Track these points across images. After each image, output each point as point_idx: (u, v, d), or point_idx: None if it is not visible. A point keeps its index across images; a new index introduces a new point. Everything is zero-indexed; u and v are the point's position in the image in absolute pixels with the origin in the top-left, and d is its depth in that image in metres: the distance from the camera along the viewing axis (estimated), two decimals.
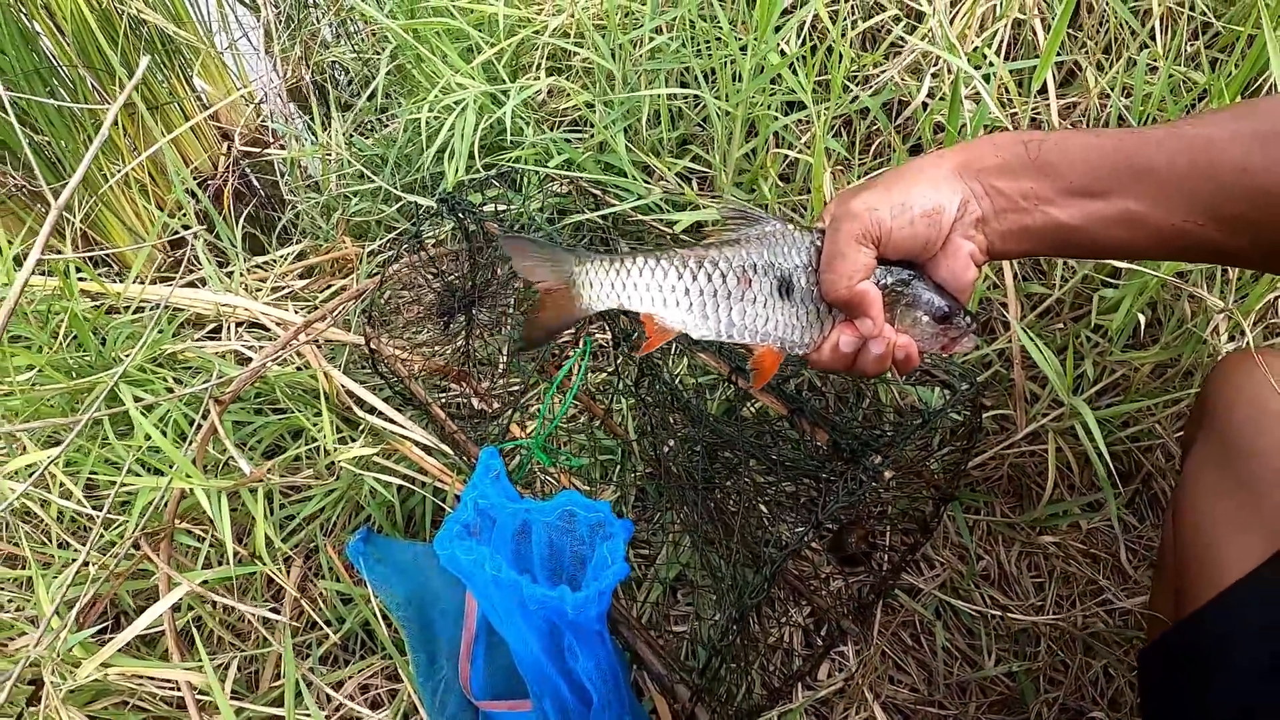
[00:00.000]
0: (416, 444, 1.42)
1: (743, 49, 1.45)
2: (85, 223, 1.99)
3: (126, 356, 1.49)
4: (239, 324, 1.63)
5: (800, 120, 1.55)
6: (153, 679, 1.28)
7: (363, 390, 1.43)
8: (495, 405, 1.54)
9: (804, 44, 1.49)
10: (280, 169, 2.00)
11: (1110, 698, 1.42)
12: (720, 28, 1.45)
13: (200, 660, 1.16)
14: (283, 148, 2.05)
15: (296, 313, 1.58)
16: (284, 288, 1.68)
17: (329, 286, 1.71)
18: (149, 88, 2.11)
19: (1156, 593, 1.15)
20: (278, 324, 1.56)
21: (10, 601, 1.40)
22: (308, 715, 1.27)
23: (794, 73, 1.46)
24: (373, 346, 1.43)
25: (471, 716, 1.29)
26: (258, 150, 2.14)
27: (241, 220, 1.77)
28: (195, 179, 2.16)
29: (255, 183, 2.15)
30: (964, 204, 0.84)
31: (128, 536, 1.27)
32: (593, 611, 0.99)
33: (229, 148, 2.15)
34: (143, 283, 1.63)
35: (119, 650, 1.16)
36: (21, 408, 1.39)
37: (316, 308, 1.61)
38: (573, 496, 1.11)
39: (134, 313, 1.58)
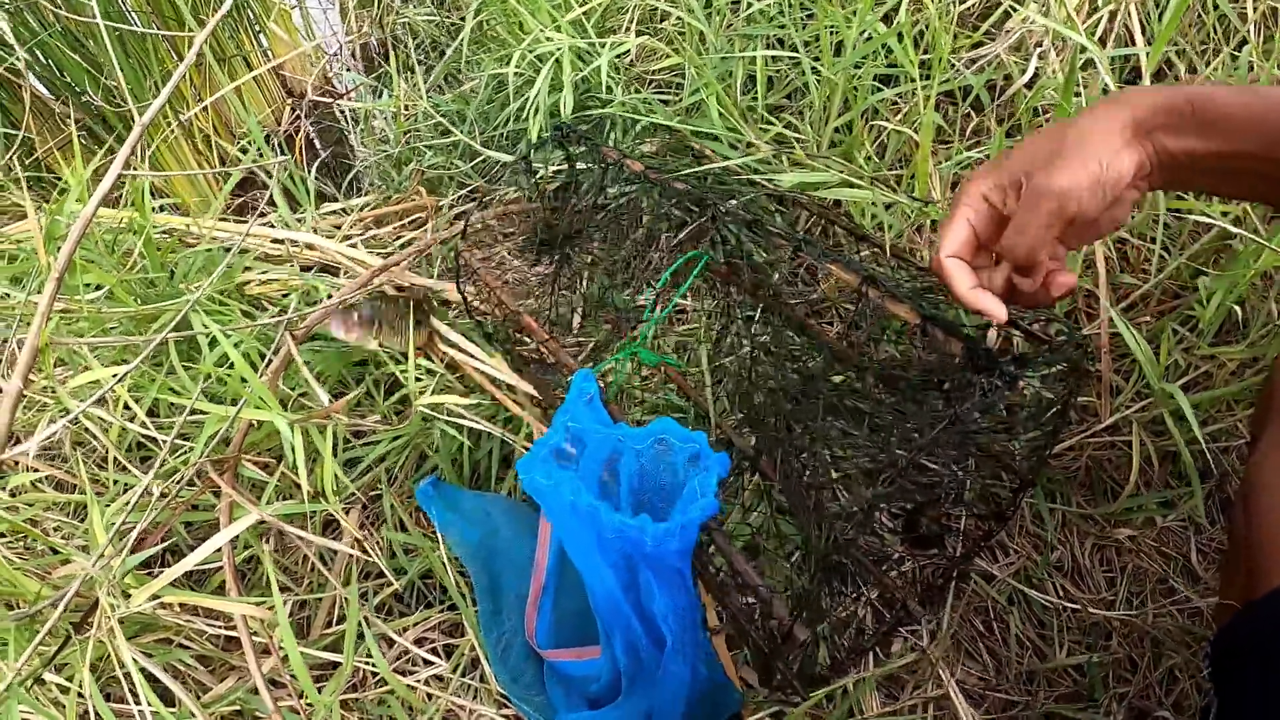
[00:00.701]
0: (491, 379, 1.27)
1: (851, 14, 1.32)
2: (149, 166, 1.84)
3: (196, 289, 1.34)
4: (306, 268, 1.48)
5: (897, 95, 1.42)
6: (207, 613, 1.12)
7: (446, 329, 1.29)
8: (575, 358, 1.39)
9: (909, 16, 1.36)
10: (350, 121, 1.84)
11: (1175, 700, 1.29)
12: None
13: (264, 596, 1.00)
14: (353, 101, 1.90)
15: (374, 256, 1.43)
16: (356, 235, 1.52)
17: (399, 237, 1.55)
18: (216, 40, 1.96)
19: (1225, 586, 1.03)
20: (353, 262, 1.41)
21: (57, 529, 1.23)
22: (368, 660, 1.12)
23: (900, 43, 1.33)
24: (463, 261, 1.28)
25: (535, 668, 1.14)
26: (328, 100, 1.99)
27: (313, 169, 1.62)
28: (263, 129, 2.00)
29: (314, 139, 1.98)
30: (1139, 167, 0.78)
31: (192, 463, 1.11)
32: (674, 546, 0.86)
33: (300, 98, 1.99)
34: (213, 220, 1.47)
35: (172, 583, 1.01)
36: (87, 329, 1.23)
37: (392, 254, 1.46)
38: (667, 424, 0.95)
39: (200, 249, 1.42)
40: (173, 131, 1.78)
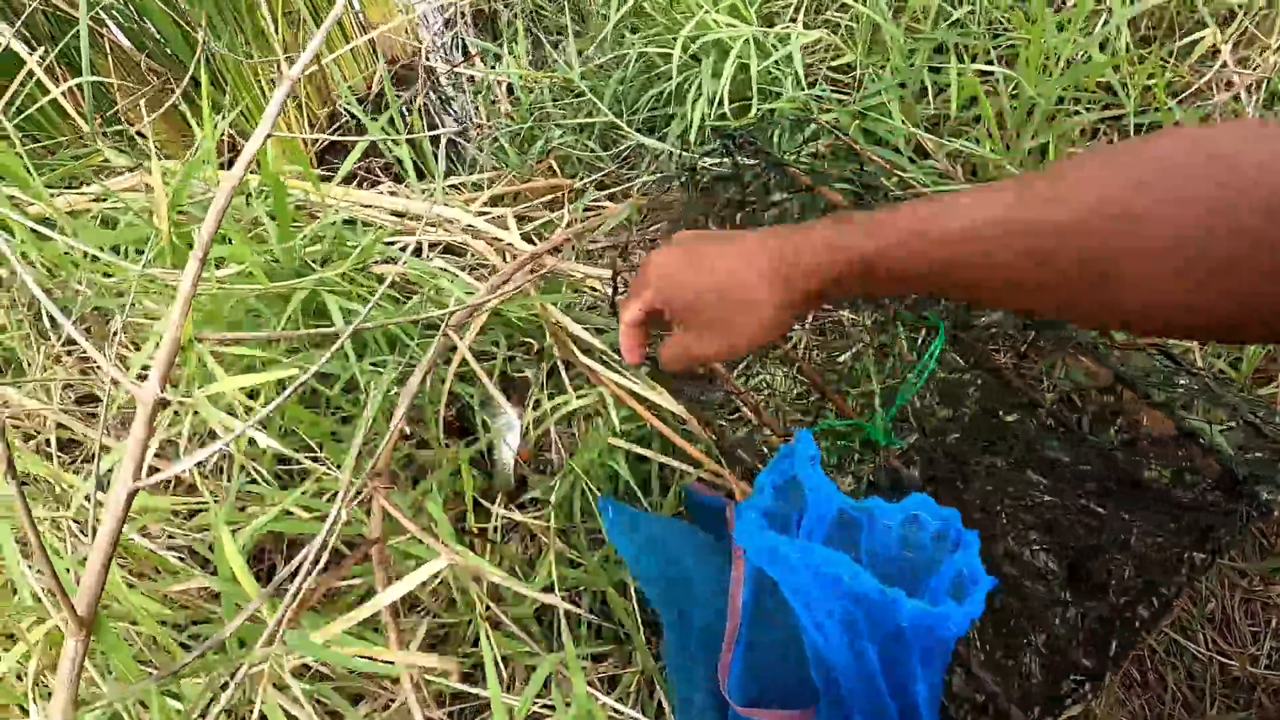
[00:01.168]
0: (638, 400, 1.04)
1: (1059, 28, 1.13)
2: (236, 129, 1.53)
3: (318, 264, 1.07)
4: (432, 245, 1.21)
5: (1101, 121, 1.23)
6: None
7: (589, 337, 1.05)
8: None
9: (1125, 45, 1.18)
10: (468, 92, 1.55)
11: None
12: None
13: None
14: (469, 69, 1.60)
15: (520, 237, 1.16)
16: (485, 213, 1.25)
17: (523, 218, 1.29)
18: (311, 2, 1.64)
19: None
20: (487, 243, 1.15)
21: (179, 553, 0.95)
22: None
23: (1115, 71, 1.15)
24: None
25: (718, 718, 0.95)
26: (443, 68, 1.67)
27: (444, 143, 1.34)
28: (354, 96, 1.68)
29: (428, 108, 1.67)
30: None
31: (348, 486, 0.85)
32: (954, 630, 0.75)
33: (392, 63, 1.68)
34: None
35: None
36: (214, 306, 0.95)
37: (534, 238, 1.20)
38: (923, 500, 0.85)
39: (326, 222, 1.14)
40: (264, 92, 1.46)
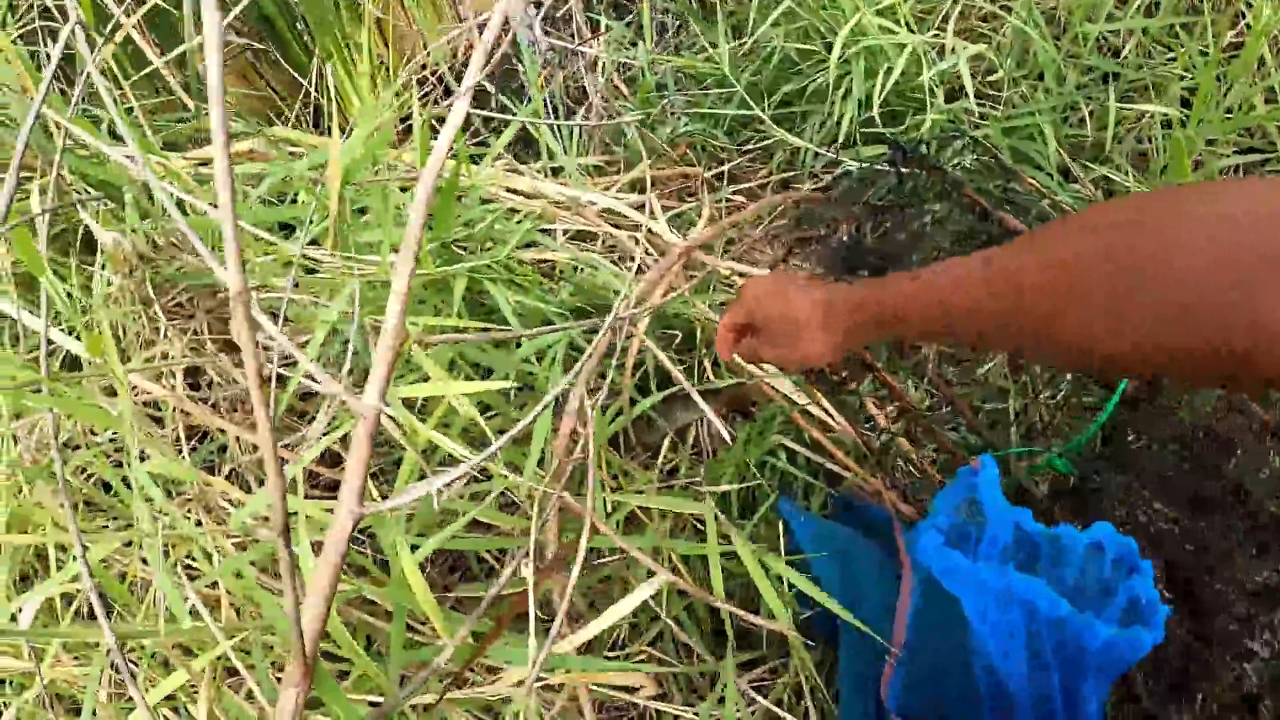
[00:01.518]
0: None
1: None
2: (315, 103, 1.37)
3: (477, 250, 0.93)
4: (564, 233, 1.08)
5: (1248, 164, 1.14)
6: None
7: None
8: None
9: None
10: (592, 70, 1.39)
11: None
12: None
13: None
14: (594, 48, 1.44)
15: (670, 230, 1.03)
16: (621, 198, 1.12)
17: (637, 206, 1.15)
18: None
19: None
20: (632, 231, 1.02)
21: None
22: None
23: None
24: None
25: None
26: (564, 44, 1.51)
27: (580, 115, 1.19)
28: (429, 71, 1.52)
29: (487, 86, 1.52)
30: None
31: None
32: (1142, 653, 0.75)
33: (535, 39, 1.52)
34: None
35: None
36: (375, 294, 0.81)
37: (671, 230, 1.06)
38: (1106, 528, 0.83)
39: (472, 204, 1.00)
40: (352, 58, 1.30)
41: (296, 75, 1.40)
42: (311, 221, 0.80)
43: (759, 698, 0.85)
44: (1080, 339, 0.47)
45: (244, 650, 0.67)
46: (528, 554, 0.62)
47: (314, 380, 0.75)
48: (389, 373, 0.58)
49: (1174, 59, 1.17)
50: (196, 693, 0.65)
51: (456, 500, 0.78)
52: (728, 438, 0.82)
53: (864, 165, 1.08)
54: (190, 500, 0.80)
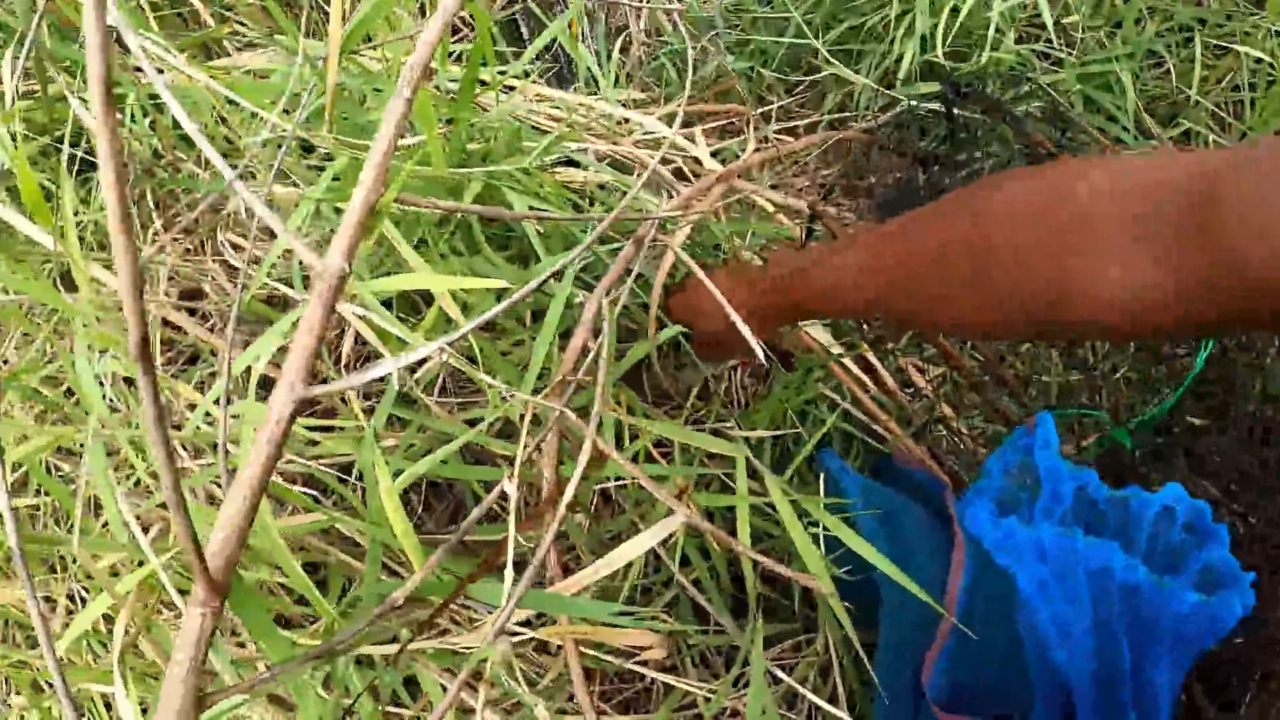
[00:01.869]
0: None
1: None
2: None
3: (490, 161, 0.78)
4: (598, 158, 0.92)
5: None
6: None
7: None
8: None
9: None
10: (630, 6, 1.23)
11: None
12: None
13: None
14: None
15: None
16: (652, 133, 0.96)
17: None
18: None
19: None
20: (669, 159, 0.87)
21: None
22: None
23: None
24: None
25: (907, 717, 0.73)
26: None
27: (617, 44, 1.04)
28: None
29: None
30: None
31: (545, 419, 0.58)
32: (1234, 621, 0.64)
33: None
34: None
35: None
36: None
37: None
38: (1176, 490, 0.71)
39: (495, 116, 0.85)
40: None
41: None
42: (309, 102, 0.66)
43: (783, 675, 0.70)
44: (950, 317, 0.48)
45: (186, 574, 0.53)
46: (512, 477, 0.47)
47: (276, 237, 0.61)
48: (359, 230, 0.43)
49: (1262, 13, 1.00)
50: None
51: (447, 423, 0.64)
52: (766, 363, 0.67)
53: (914, 104, 0.92)
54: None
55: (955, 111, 0.89)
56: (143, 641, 0.50)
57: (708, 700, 0.66)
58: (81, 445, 0.55)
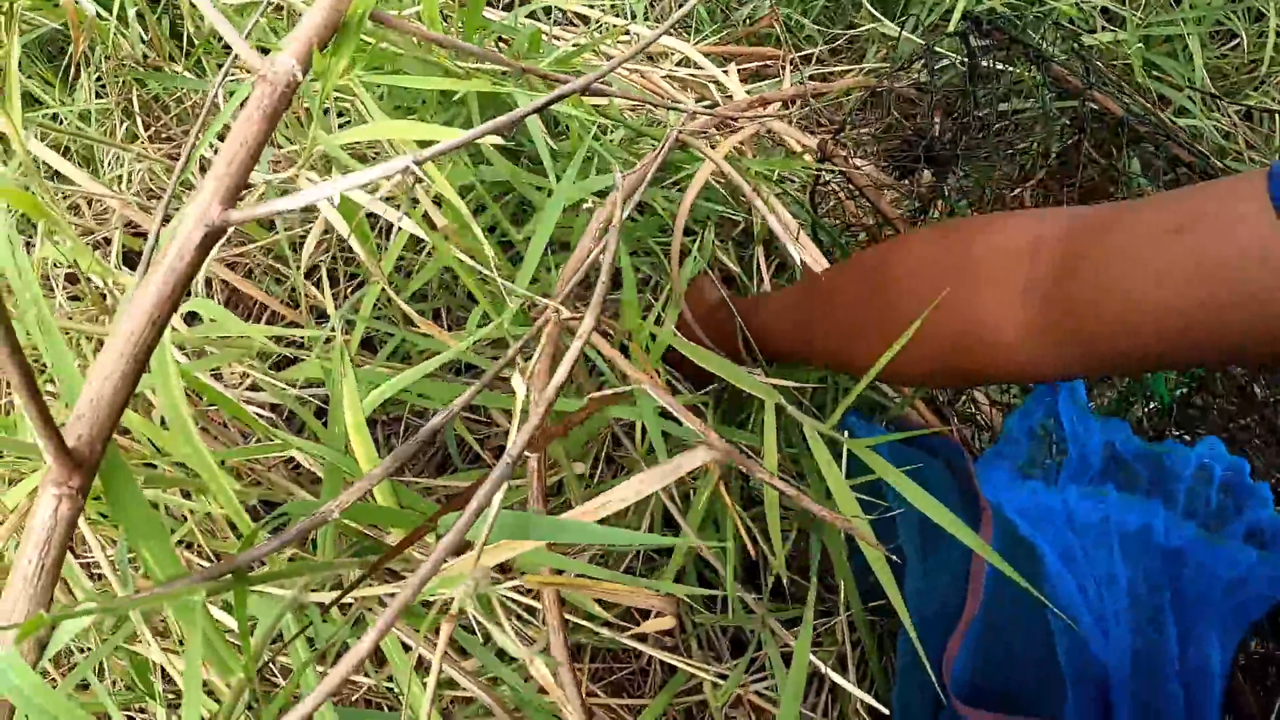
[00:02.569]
0: None
1: None
2: None
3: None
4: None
5: None
6: None
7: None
8: None
9: None
10: None
11: None
12: None
13: None
14: None
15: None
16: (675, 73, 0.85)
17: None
18: None
19: None
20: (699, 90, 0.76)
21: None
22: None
23: None
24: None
25: (929, 709, 0.61)
26: None
27: None
28: None
29: None
30: None
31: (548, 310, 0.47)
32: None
33: None
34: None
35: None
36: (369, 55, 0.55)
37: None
38: (1213, 443, 0.60)
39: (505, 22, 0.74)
40: None
41: None
42: None
43: (816, 661, 0.58)
44: (865, 359, 0.47)
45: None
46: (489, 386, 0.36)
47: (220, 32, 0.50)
48: (317, 34, 0.32)
49: None
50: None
51: (435, 340, 0.52)
52: None
53: (932, 46, 0.82)
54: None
55: (975, 51, 0.79)
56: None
57: (716, 686, 0.55)
58: None
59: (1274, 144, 0.86)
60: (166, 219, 0.38)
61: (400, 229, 0.50)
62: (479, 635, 0.48)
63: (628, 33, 0.80)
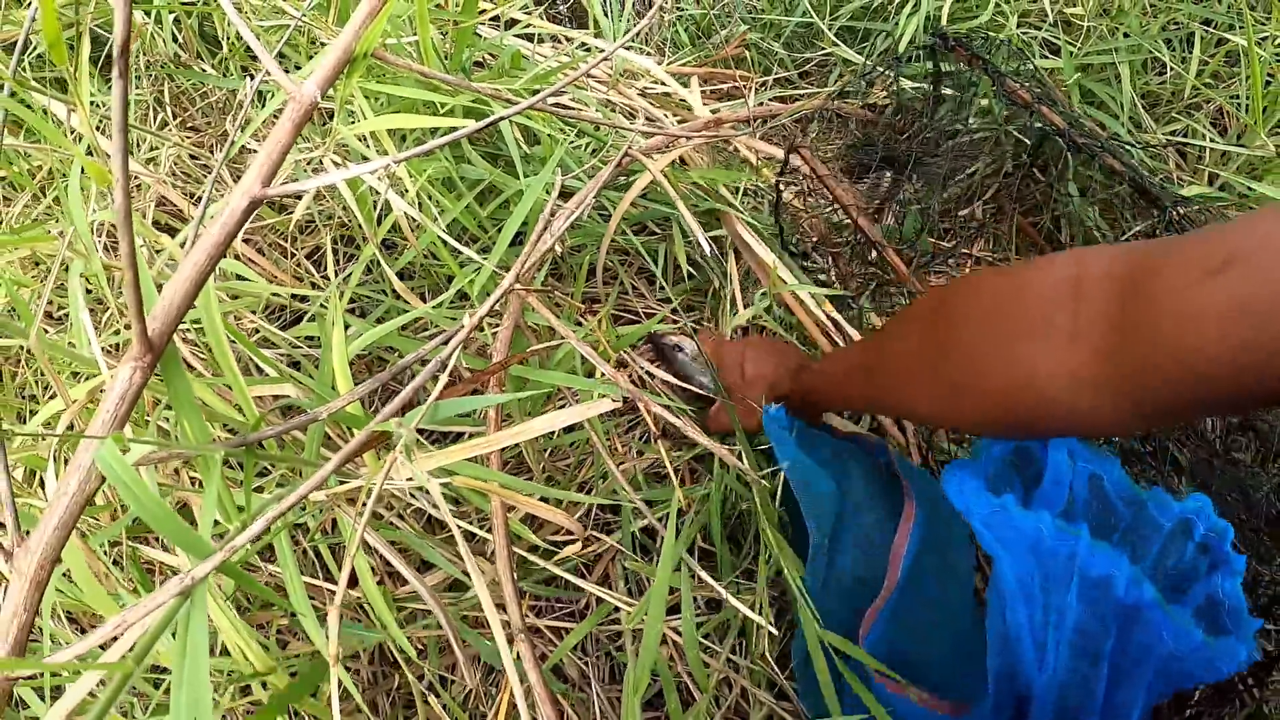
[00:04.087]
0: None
1: None
2: None
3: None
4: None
5: None
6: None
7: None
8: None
9: None
10: None
11: None
12: None
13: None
14: None
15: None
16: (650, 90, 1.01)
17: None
18: None
19: None
20: (663, 106, 0.91)
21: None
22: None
23: None
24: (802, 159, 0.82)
25: (834, 681, 0.69)
26: None
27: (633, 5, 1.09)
28: None
29: None
30: None
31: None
32: (1234, 668, 0.55)
33: None
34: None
35: None
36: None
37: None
38: (1202, 502, 0.63)
39: (494, 43, 0.90)
40: None
41: None
42: None
43: (715, 584, 0.71)
44: (928, 413, 0.52)
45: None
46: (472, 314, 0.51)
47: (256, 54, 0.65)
48: (337, 70, 0.48)
49: (1267, 21, 1.03)
50: None
51: (412, 304, 0.68)
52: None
53: (873, 65, 0.95)
54: None
55: (940, 65, 0.92)
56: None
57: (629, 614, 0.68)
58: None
59: (1201, 165, 0.99)
60: (197, 199, 0.54)
61: (391, 212, 0.66)
62: (430, 542, 0.63)
63: (601, 51, 0.95)
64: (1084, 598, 0.58)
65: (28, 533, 0.38)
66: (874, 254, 0.92)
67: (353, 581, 0.76)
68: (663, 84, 0.92)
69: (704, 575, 0.63)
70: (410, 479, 0.49)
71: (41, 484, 0.60)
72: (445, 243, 0.66)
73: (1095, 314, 0.41)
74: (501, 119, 0.46)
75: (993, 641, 0.63)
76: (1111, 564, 0.57)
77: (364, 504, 0.50)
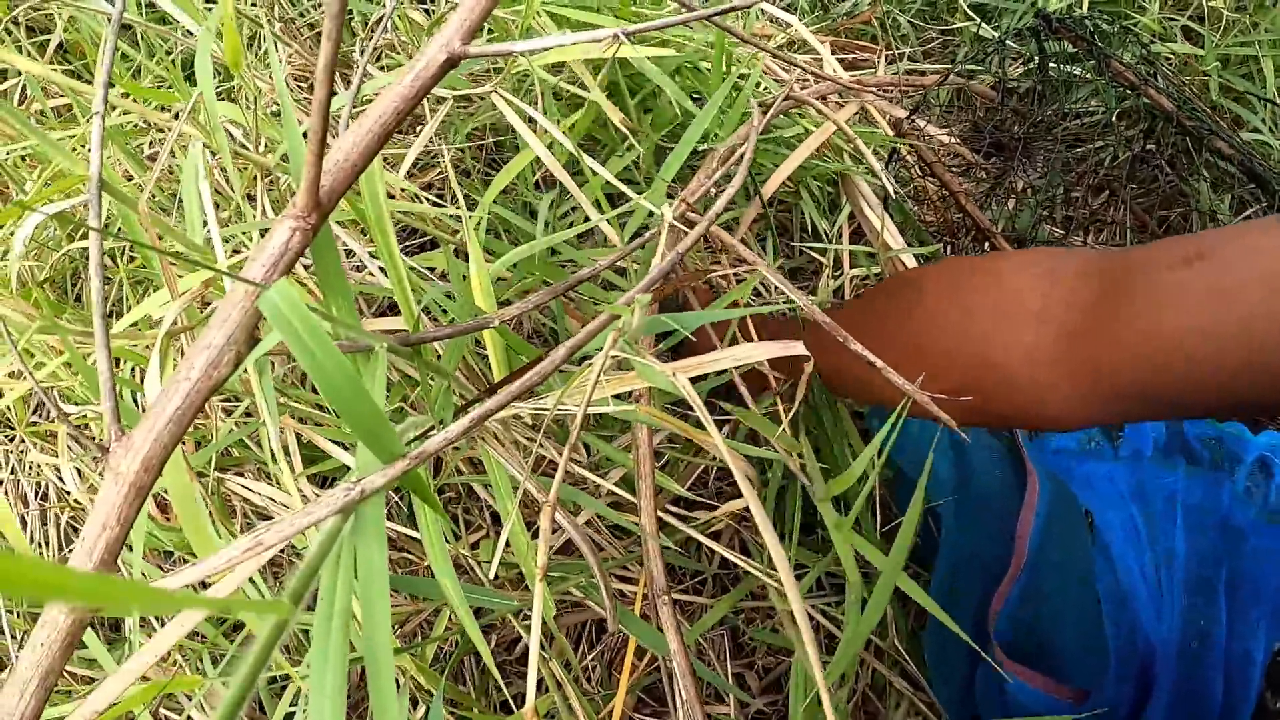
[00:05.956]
0: None
1: None
2: None
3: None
4: None
5: None
6: None
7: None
8: None
9: None
10: None
11: None
12: None
13: None
14: None
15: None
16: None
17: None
18: None
19: None
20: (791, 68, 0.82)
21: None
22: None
23: None
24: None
25: (967, 663, 0.63)
26: None
27: None
28: None
29: None
30: None
31: None
32: None
33: None
34: None
35: None
36: None
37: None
38: (1275, 438, 0.58)
39: None
40: None
41: None
42: None
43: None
44: (891, 390, 0.46)
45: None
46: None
47: None
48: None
49: None
50: None
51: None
52: None
53: (1007, 41, 0.86)
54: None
55: (1045, 46, 0.83)
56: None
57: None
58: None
59: None
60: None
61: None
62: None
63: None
64: (1190, 528, 0.56)
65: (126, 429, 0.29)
66: (986, 244, 0.83)
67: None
68: (800, 45, 0.83)
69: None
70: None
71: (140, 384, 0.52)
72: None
73: (1066, 297, 0.40)
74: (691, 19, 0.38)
75: (1107, 606, 0.59)
76: (1214, 485, 0.55)
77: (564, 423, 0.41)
